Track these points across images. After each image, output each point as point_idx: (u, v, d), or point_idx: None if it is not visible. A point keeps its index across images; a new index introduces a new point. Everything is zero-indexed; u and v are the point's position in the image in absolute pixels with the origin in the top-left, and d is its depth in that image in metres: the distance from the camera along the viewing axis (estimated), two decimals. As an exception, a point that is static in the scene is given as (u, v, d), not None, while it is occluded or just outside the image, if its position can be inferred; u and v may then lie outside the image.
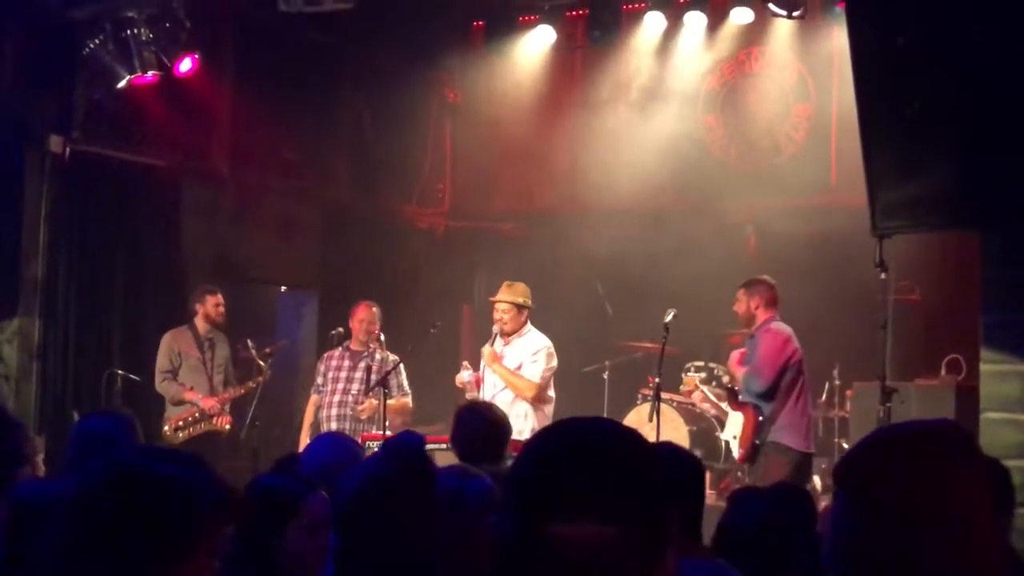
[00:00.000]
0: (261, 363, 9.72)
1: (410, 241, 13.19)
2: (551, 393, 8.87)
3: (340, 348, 9.61)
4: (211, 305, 9.84)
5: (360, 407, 9.29)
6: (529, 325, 8.99)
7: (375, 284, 11.02)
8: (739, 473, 10.53)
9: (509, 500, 1.70)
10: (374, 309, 9.57)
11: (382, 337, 9.52)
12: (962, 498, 1.78)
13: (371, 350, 9.45)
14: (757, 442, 8.33)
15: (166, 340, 9.82)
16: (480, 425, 5.60)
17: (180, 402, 9.68)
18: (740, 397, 8.65)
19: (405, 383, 9.43)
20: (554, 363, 8.86)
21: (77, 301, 10.16)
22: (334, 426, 9.25)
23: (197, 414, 9.63)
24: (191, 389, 9.66)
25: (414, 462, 3.13)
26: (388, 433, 8.75)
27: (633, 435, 1.74)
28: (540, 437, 1.78)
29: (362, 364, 9.41)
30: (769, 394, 8.38)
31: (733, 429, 8.60)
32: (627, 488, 1.65)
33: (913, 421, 1.97)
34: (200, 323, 9.84)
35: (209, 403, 9.63)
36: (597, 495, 1.63)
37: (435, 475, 3.20)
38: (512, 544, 1.68)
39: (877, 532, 1.76)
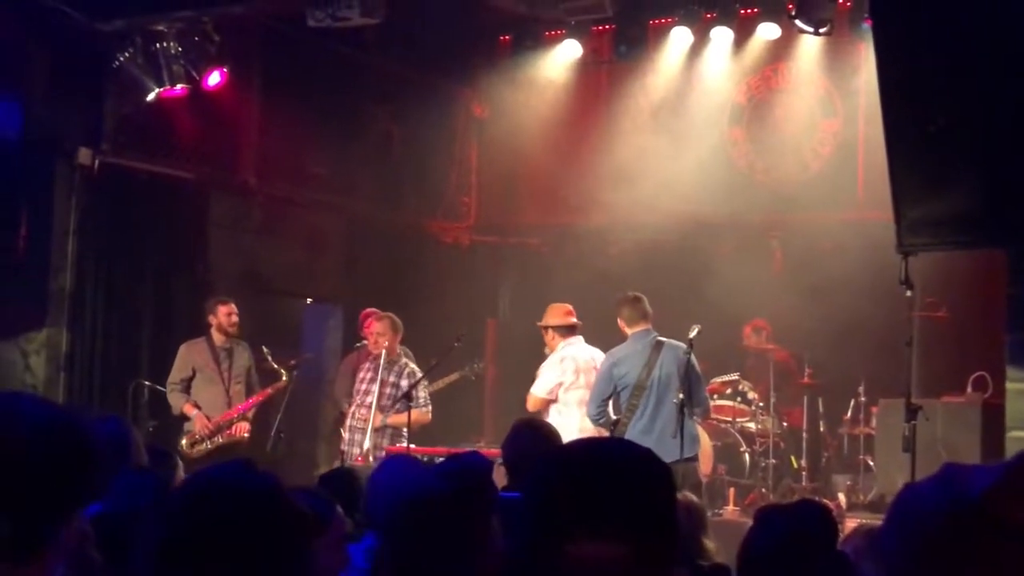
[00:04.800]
0: (275, 367, 9.70)
1: (435, 255, 13.20)
2: (562, 408, 8.90)
3: (368, 361, 9.73)
4: (223, 315, 9.76)
5: (383, 416, 9.40)
6: (560, 343, 9.10)
7: (400, 298, 11.04)
8: (763, 489, 10.49)
9: (529, 517, 1.74)
10: (386, 321, 9.63)
11: (399, 350, 9.63)
12: None
13: (388, 362, 9.49)
14: None
15: (180, 352, 9.77)
16: (531, 440, 5.58)
17: (184, 415, 9.63)
18: None
19: (423, 397, 9.45)
20: (554, 374, 8.97)
21: (105, 312, 10.22)
22: (345, 436, 9.61)
23: (212, 427, 9.53)
24: (193, 403, 9.57)
25: (477, 483, 3.15)
26: (412, 446, 8.79)
27: (648, 456, 1.78)
28: (559, 457, 1.81)
29: (380, 376, 9.47)
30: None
31: None
32: (642, 507, 1.69)
33: None
34: (216, 334, 9.78)
35: (200, 423, 9.49)
36: (615, 514, 1.67)
37: (495, 499, 3.21)
38: (530, 559, 1.72)
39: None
